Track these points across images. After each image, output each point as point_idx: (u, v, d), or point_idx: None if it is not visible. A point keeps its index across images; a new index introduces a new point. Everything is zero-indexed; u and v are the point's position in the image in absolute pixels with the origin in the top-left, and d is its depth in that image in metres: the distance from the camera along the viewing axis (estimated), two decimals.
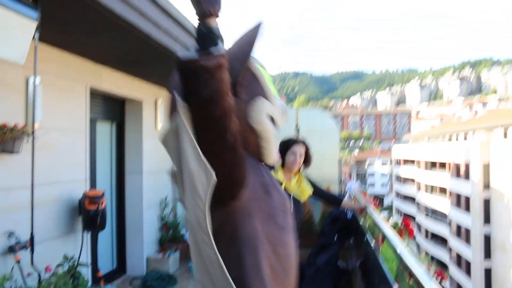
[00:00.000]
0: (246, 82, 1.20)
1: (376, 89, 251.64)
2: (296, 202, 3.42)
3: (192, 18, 4.05)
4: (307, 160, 3.51)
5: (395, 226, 4.49)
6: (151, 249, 5.85)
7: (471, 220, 31.11)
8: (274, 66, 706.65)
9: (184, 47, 4.06)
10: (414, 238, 44.09)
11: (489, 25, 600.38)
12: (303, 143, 3.49)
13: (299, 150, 3.46)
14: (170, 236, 6.16)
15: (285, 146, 3.47)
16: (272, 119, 1.23)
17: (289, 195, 3.37)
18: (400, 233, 4.58)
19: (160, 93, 6.07)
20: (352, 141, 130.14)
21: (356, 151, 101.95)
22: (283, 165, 3.48)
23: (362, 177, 78.59)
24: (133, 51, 4.01)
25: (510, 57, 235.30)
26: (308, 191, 3.53)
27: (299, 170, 3.50)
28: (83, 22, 3.09)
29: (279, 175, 3.44)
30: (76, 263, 3.66)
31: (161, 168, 6.19)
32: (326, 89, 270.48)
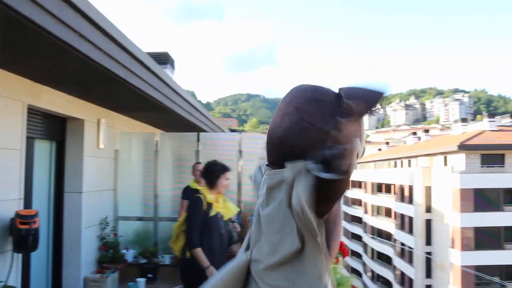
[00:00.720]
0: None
1: None
2: (222, 219, 3.90)
3: (133, 40, 4.14)
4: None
5: None
6: (89, 269, 5.76)
7: (414, 241, 32.32)
8: (227, 88, 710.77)
9: (127, 69, 4.14)
10: (361, 257, 45.07)
11: (433, 56, 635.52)
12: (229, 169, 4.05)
13: (230, 176, 3.95)
14: (110, 256, 6.09)
15: (219, 171, 3.89)
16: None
17: (218, 213, 3.84)
18: None
19: (102, 112, 6.06)
20: None
21: None
22: (211, 186, 3.88)
23: None
24: (72, 71, 4.04)
25: (452, 88, 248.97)
26: (233, 210, 3.95)
27: None
28: (20, 41, 3.12)
29: (208, 195, 3.78)
30: (3, 286, 3.58)
31: (101, 188, 6.14)
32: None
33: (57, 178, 5.47)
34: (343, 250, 5.25)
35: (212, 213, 3.80)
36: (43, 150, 5.24)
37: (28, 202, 4.62)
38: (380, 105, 1.28)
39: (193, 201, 3.91)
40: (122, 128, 6.83)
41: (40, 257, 5.10)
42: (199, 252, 3.75)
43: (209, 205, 3.84)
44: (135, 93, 4.78)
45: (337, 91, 1.30)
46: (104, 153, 6.21)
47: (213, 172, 3.88)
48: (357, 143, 1.21)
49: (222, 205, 3.88)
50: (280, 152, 1.29)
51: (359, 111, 1.26)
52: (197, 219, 3.81)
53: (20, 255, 4.18)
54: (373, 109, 1.29)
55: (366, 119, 1.41)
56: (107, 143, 6.18)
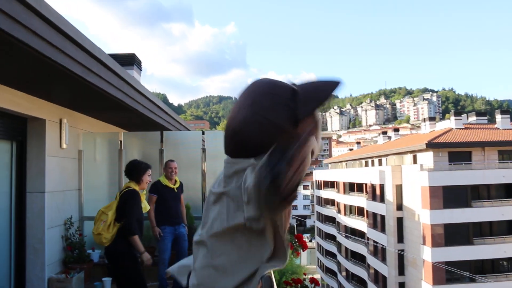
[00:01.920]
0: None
1: None
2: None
3: (88, 37, 4.20)
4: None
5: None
6: (53, 270, 5.75)
7: (386, 239, 32.91)
8: (198, 91, 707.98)
9: (83, 67, 4.19)
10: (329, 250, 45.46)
11: (404, 56, 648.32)
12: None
13: (151, 173, 4.82)
14: (75, 256, 6.09)
15: (144, 168, 4.70)
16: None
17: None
18: (290, 246, 4.96)
19: (64, 112, 6.07)
20: None
21: None
22: (137, 182, 4.63)
23: None
24: (28, 70, 4.06)
25: (421, 87, 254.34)
26: (146, 207, 4.94)
27: None
28: None
29: (138, 189, 4.65)
30: None
31: (66, 188, 6.14)
32: None
33: (18, 178, 5.45)
34: (303, 243, 5.42)
35: (142, 205, 4.61)
36: (3, 150, 5.23)
37: None
38: (332, 97, 1.30)
39: (135, 194, 4.51)
40: (85, 128, 6.84)
41: (1, 258, 5.08)
42: (137, 238, 4.33)
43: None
44: (96, 92, 4.82)
45: (292, 86, 1.34)
46: (67, 153, 6.21)
47: (139, 170, 4.58)
48: (312, 141, 1.20)
49: (143, 200, 4.64)
50: (233, 144, 1.31)
51: (314, 104, 1.29)
52: (138, 210, 4.46)
53: None
54: (327, 101, 1.31)
55: (323, 116, 1.51)
56: (70, 143, 6.18)
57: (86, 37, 4.10)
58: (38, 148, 5.58)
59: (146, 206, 4.90)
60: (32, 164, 5.55)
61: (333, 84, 1.30)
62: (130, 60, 9.71)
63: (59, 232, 5.98)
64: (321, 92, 1.29)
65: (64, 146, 6.03)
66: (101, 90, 4.76)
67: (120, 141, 6.89)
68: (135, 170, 4.59)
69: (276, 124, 1.26)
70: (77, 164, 6.61)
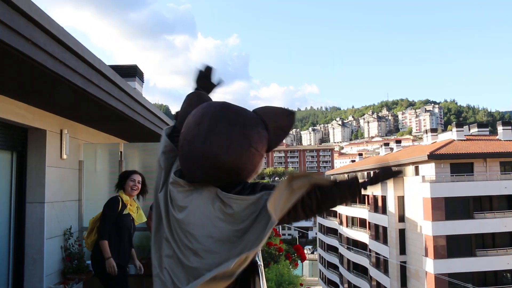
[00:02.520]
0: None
1: (300, 127, 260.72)
2: (133, 222, 4.74)
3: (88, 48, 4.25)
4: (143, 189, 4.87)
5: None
6: (52, 280, 5.74)
7: (389, 250, 32.74)
8: None
9: (85, 79, 4.23)
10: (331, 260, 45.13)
11: (406, 68, 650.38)
12: (140, 173, 4.87)
13: (136, 178, 4.79)
14: (74, 267, 6.08)
15: (126, 175, 4.78)
16: None
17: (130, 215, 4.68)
18: (288, 257, 4.97)
19: (65, 123, 6.11)
20: (276, 177, 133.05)
21: None
22: (122, 188, 4.71)
23: None
24: (29, 81, 4.11)
25: (423, 99, 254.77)
26: (142, 218, 4.88)
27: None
28: None
29: (124, 196, 4.64)
30: None
31: (65, 198, 6.15)
32: None
33: (18, 188, 5.47)
34: (301, 254, 5.43)
35: (125, 212, 4.61)
36: (3, 160, 5.25)
37: None
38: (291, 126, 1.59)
39: (111, 199, 4.66)
40: (86, 139, 6.87)
41: (0, 268, 5.08)
42: (105, 243, 4.45)
43: (124, 205, 4.63)
44: (96, 103, 4.86)
45: (251, 112, 1.58)
46: (67, 164, 6.24)
47: (122, 178, 4.79)
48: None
49: (135, 210, 4.73)
50: (219, 173, 1.45)
51: (283, 136, 1.55)
52: (111, 215, 4.54)
53: None
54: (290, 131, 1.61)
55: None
56: (70, 153, 6.21)
57: (86, 49, 4.15)
58: (39, 159, 5.61)
59: (141, 215, 4.93)
60: (32, 174, 5.58)
61: (291, 115, 1.56)
62: (132, 72, 9.79)
63: (58, 243, 5.98)
64: (285, 127, 1.55)
65: (65, 156, 6.06)
66: (102, 101, 4.80)
67: (121, 152, 6.91)
68: (120, 179, 4.85)
69: (262, 154, 1.50)
70: (77, 175, 6.63)
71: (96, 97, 4.60)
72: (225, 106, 1.51)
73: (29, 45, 3.23)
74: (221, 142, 1.41)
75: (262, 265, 3.44)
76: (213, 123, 1.45)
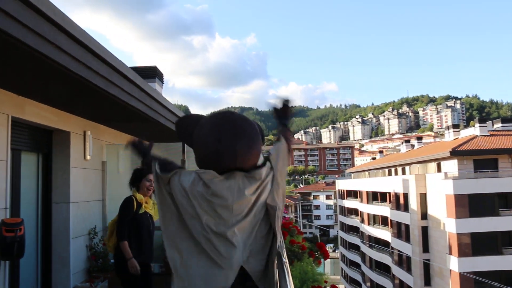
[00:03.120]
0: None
1: (319, 125, 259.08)
2: (151, 219, 4.67)
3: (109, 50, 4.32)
4: None
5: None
6: (78, 278, 5.87)
7: (411, 248, 32.34)
8: (220, 103, 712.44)
9: (107, 80, 4.31)
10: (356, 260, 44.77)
11: (426, 64, 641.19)
12: None
13: (152, 177, 4.52)
14: (99, 266, 6.20)
15: (142, 174, 4.63)
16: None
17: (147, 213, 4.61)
18: (312, 254, 4.96)
19: (88, 125, 6.23)
20: (297, 176, 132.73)
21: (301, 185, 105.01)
22: (137, 188, 4.63)
23: (307, 209, 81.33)
24: (53, 84, 4.20)
25: (444, 94, 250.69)
26: (156, 214, 4.69)
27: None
28: None
29: (138, 196, 4.58)
30: None
31: (90, 199, 6.27)
32: (271, 125, 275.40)
33: (44, 189, 5.61)
34: (325, 252, 5.41)
35: (141, 211, 4.55)
36: (29, 161, 5.39)
37: (15, 212, 4.75)
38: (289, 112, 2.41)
39: (125, 200, 4.61)
40: (109, 140, 7.00)
41: (29, 267, 5.21)
42: (125, 245, 4.41)
43: (139, 204, 4.56)
44: (118, 104, 4.94)
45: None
46: (91, 165, 6.36)
47: (137, 177, 4.66)
48: None
49: (152, 207, 4.68)
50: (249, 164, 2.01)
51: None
52: (127, 216, 4.49)
53: (7, 263, 4.30)
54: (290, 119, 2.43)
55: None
56: (93, 154, 6.34)
57: (108, 51, 4.22)
58: (63, 160, 5.74)
59: (156, 213, 4.94)
60: (57, 175, 5.71)
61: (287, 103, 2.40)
62: (152, 73, 9.89)
63: (83, 242, 6.11)
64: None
65: (88, 157, 6.18)
66: (123, 102, 4.88)
67: None
68: (135, 177, 4.72)
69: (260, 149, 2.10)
70: (100, 175, 6.76)
71: (118, 99, 4.68)
72: (241, 116, 2.08)
73: (54, 48, 3.31)
74: (245, 155, 1.95)
75: (288, 262, 3.45)
76: (234, 139, 1.94)
